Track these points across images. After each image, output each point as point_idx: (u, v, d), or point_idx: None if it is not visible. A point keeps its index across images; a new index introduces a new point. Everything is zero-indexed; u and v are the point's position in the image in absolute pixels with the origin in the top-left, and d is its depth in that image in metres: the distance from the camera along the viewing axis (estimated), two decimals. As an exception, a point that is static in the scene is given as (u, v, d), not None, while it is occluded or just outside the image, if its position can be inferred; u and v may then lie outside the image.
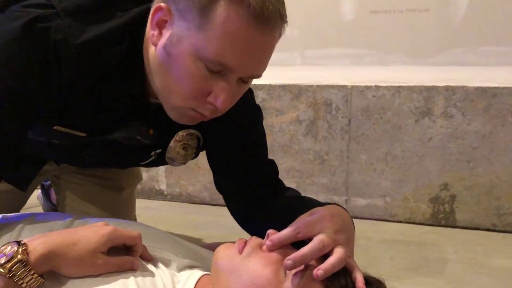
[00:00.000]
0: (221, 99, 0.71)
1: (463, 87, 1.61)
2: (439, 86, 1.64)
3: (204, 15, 0.66)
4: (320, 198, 1.78)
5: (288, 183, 1.82)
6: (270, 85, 1.83)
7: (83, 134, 0.84)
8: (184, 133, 0.91)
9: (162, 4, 0.71)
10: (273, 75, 1.88)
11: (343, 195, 1.76)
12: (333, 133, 1.76)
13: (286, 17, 0.72)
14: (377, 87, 1.71)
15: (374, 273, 0.72)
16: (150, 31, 0.74)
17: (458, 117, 1.62)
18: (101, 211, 1.19)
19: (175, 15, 0.69)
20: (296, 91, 1.80)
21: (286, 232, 0.68)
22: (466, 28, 1.67)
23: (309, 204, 0.85)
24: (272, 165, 1.02)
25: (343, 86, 1.74)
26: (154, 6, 0.72)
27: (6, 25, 0.71)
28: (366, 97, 1.72)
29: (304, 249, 0.64)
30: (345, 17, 1.80)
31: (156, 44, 0.73)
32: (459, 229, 1.63)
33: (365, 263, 0.75)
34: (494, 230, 1.60)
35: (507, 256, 1.38)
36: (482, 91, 1.59)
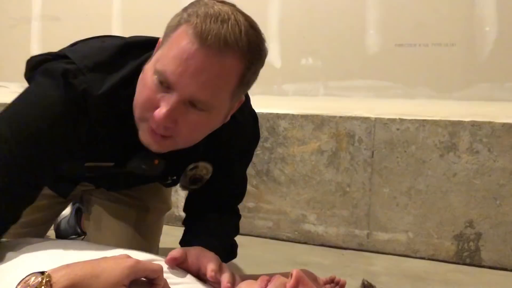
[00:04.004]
0: (160, 110, 0.75)
1: (490, 122, 1.59)
2: (464, 121, 1.62)
3: (168, 36, 0.77)
4: (341, 231, 1.76)
5: (309, 214, 1.81)
6: (293, 115, 1.83)
7: (111, 164, 0.94)
8: (193, 166, 1.00)
9: (161, 38, 0.81)
10: (295, 105, 1.89)
11: (364, 228, 1.73)
12: (356, 165, 1.74)
13: (247, 52, 0.75)
14: (401, 120, 1.69)
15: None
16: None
17: (484, 153, 1.59)
18: (125, 230, 1.22)
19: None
20: (318, 122, 1.79)
21: None
22: (493, 63, 1.65)
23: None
24: (238, 196, 1.13)
25: (367, 118, 1.73)
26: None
27: (40, 78, 0.83)
28: (390, 130, 1.70)
29: None
30: (370, 49, 1.81)
31: None
32: (485, 269, 1.58)
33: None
34: (522, 271, 1.55)
35: (536, 300, 1.32)
36: (510, 128, 1.57)
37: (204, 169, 1.02)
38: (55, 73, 0.81)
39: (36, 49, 2.34)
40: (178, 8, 0.80)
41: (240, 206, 1.16)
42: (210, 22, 0.72)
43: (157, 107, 0.76)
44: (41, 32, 2.36)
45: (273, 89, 1.95)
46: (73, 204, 1.56)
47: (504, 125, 1.57)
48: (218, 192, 1.06)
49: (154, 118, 0.77)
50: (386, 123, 1.71)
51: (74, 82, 0.80)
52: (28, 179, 0.80)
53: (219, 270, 0.79)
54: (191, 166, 1.00)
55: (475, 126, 1.60)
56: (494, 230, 1.58)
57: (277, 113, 1.85)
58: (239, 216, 1.14)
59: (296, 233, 1.82)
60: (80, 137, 0.84)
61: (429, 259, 1.66)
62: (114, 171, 0.96)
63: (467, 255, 1.62)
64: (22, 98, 0.83)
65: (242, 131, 1.00)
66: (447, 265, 1.61)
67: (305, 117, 1.81)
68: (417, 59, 1.74)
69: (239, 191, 1.14)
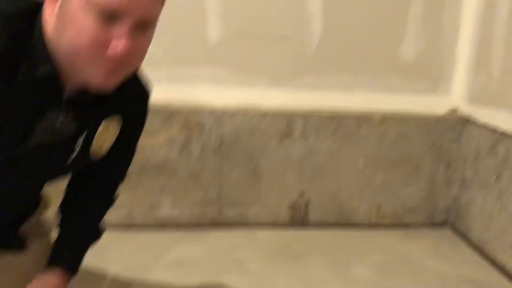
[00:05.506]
0: (117, 45, 0.74)
1: (317, 111, 1.87)
2: (298, 111, 1.87)
3: None
4: (196, 211, 1.91)
5: (164, 200, 1.89)
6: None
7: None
8: (106, 122, 0.94)
9: None
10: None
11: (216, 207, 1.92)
12: (206, 152, 1.86)
13: None
14: (245, 110, 1.86)
15: None
16: (47, 9, 0.78)
17: (313, 138, 1.89)
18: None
19: None
20: (168, 113, 1.82)
21: None
22: (319, 56, 1.89)
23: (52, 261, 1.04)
24: (120, 179, 1.13)
25: (214, 109, 1.84)
26: None
27: None
28: (236, 119, 1.85)
29: None
30: (212, 39, 1.85)
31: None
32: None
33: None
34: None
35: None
36: (332, 115, 1.88)
37: (113, 129, 0.96)
38: None
39: None
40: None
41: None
42: None
43: (107, 44, 0.74)
44: None
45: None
46: None
47: (329, 112, 1.88)
48: (106, 171, 1.05)
49: (112, 55, 0.74)
50: (234, 112, 1.84)
51: None
52: None
53: None
54: (102, 127, 0.93)
55: (306, 115, 1.87)
56: (320, 198, 1.96)
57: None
58: (113, 203, 1.15)
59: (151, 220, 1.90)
60: None
61: (270, 224, 1.97)
62: (12, 152, 0.84)
63: (299, 219, 1.97)
64: None
65: (143, 91, 1.01)
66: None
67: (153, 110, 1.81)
68: (256, 50, 1.87)
69: (124, 171, 1.12)
